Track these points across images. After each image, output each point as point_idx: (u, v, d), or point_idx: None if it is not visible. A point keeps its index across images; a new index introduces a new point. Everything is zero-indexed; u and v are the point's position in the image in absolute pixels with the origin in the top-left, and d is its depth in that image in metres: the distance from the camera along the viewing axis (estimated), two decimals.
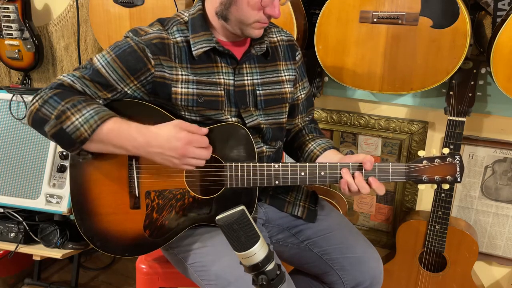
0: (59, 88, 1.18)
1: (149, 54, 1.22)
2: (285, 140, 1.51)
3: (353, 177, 1.21)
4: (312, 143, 1.43)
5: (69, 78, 1.20)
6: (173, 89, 1.24)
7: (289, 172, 1.25)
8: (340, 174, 1.23)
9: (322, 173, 1.24)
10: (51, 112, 1.14)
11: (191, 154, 1.16)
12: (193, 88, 1.25)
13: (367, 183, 1.21)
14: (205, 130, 1.22)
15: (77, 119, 1.13)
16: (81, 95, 1.18)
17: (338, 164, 1.23)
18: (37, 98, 1.18)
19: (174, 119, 1.26)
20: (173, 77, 1.24)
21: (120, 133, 1.15)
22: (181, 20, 1.29)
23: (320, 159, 1.37)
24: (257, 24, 1.23)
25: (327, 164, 1.24)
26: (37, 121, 1.17)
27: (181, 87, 1.25)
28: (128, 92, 1.24)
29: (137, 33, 1.24)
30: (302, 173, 1.25)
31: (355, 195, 1.25)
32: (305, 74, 1.49)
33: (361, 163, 1.21)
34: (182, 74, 1.25)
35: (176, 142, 1.14)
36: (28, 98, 1.96)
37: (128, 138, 1.15)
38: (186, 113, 1.27)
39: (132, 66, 1.21)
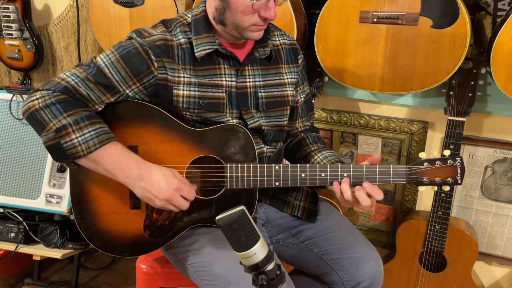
0: (64, 94, 1.17)
1: (152, 57, 1.21)
2: (287, 148, 1.50)
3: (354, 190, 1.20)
4: (319, 154, 1.40)
5: (73, 80, 1.18)
6: (175, 91, 1.24)
7: (289, 173, 1.25)
8: (340, 178, 1.22)
9: (323, 175, 1.23)
10: (51, 120, 1.14)
11: (175, 201, 1.17)
12: (195, 91, 1.25)
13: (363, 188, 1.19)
14: (194, 187, 1.22)
15: (76, 138, 1.13)
16: (85, 107, 1.18)
17: (339, 166, 1.22)
18: (38, 96, 1.16)
19: (174, 119, 1.26)
20: (175, 79, 1.24)
21: (119, 161, 1.16)
22: (184, 21, 1.29)
23: None
24: (254, 27, 1.22)
25: (328, 166, 1.23)
26: (33, 120, 1.17)
27: (183, 90, 1.25)
28: (130, 94, 1.23)
29: (140, 34, 1.24)
30: (303, 175, 1.24)
31: (351, 205, 1.24)
32: (306, 77, 1.49)
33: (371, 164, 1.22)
34: (184, 77, 1.25)
35: (166, 185, 1.15)
36: None
37: (124, 168, 1.16)
38: (187, 114, 1.27)
39: (136, 68, 1.21)
